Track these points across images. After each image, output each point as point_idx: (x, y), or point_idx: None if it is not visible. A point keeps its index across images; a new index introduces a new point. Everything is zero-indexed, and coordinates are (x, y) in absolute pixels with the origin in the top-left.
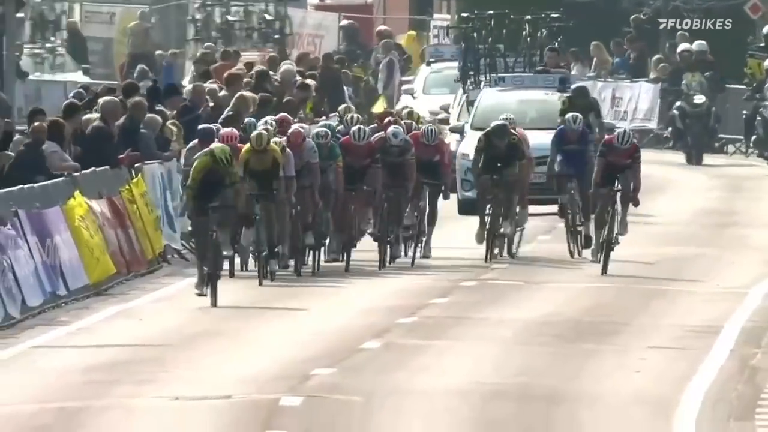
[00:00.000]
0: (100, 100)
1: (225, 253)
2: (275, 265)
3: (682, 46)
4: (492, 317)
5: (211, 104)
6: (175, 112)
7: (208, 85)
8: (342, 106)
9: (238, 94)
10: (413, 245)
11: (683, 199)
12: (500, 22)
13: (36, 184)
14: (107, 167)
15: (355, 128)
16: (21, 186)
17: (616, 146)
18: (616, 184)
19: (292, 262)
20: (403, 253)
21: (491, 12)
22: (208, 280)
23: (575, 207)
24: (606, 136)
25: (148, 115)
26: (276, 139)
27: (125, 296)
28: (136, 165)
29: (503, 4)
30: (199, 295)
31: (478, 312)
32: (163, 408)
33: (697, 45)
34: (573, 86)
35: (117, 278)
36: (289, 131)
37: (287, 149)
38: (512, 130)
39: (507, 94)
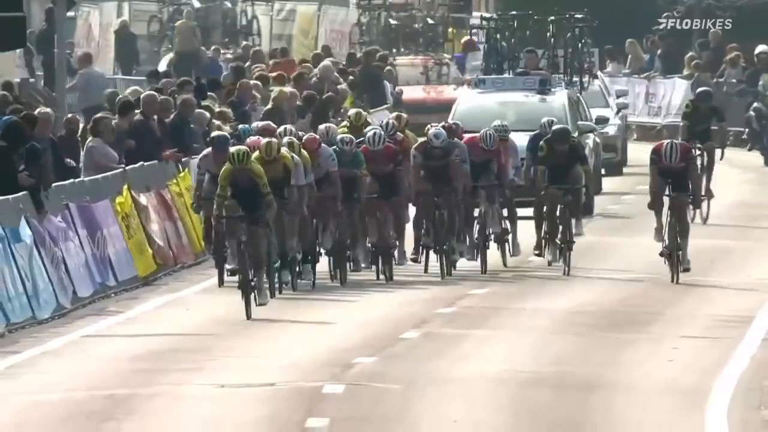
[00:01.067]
0: (142, 95)
1: (260, 300)
2: (287, 275)
3: (760, 48)
4: (528, 307)
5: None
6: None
7: (253, 81)
8: (352, 111)
9: (277, 89)
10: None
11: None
12: (524, 23)
13: (86, 179)
14: (155, 162)
15: (370, 133)
16: (72, 180)
17: (664, 157)
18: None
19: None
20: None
21: (514, 12)
22: (242, 291)
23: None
24: (658, 143)
25: (197, 110)
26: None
27: (172, 287)
28: (183, 159)
29: (541, 4)
30: (232, 271)
31: (515, 302)
32: (208, 395)
33: None
34: (698, 90)
35: (164, 269)
36: (305, 138)
37: (296, 157)
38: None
39: (487, 96)
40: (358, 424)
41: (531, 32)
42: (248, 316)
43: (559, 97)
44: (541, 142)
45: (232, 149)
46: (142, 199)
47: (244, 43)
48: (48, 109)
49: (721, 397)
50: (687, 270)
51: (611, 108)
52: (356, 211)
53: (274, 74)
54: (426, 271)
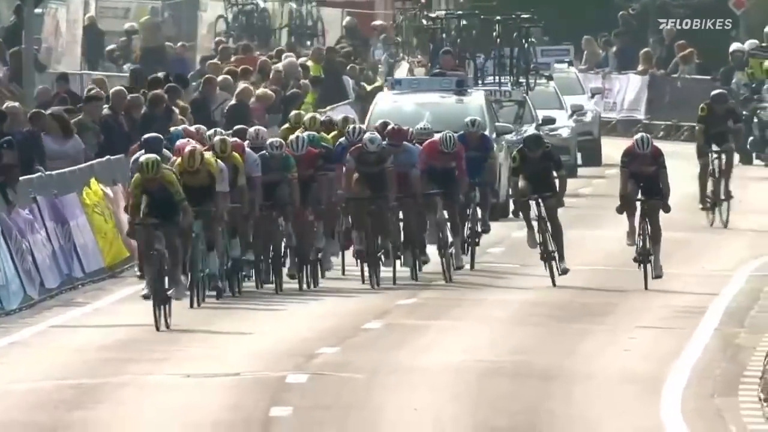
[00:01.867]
0: (111, 90)
1: (176, 295)
2: (213, 264)
3: (734, 46)
4: (488, 299)
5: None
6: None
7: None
8: (339, 117)
9: (242, 86)
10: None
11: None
12: (470, 23)
13: (54, 172)
14: (122, 155)
15: (292, 137)
16: (40, 174)
17: (638, 153)
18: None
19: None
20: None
21: (460, 12)
22: (155, 302)
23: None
24: (629, 144)
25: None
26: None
27: (139, 279)
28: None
29: (504, 5)
30: (146, 297)
31: (475, 294)
32: (175, 384)
33: (749, 44)
34: (713, 92)
35: (131, 261)
36: (229, 141)
37: (220, 163)
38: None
39: (403, 97)
40: (322, 413)
41: (477, 32)
42: (158, 327)
43: (476, 98)
44: (514, 152)
45: (141, 158)
46: (109, 192)
47: (310, 44)
48: (17, 104)
49: (676, 386)
50: (659, 277)
51: (565, 110)
52: (289, 216)
53: (239, 68)
54: (363, 281)
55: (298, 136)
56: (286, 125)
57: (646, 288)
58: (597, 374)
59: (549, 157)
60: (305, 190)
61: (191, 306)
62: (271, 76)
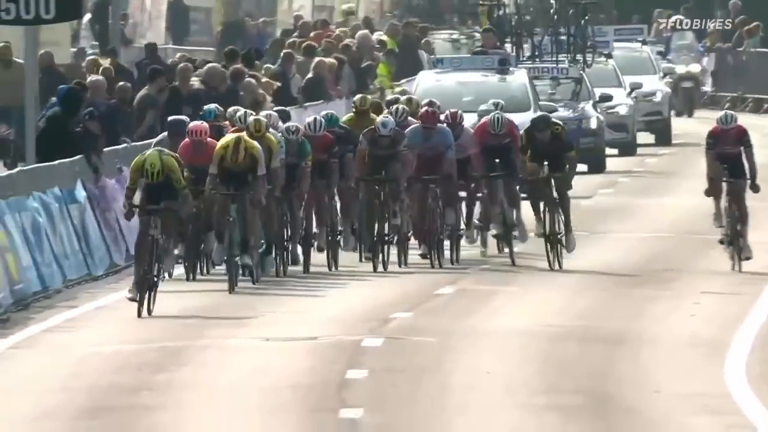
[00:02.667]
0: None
1: (166, 267)
2: (248, 259)
3: None
4: (555, 265)
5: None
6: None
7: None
8: (357, 97)
9: (317, 59)
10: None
11: None
12: (527, 1)
13: (138, 143)
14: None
15: (309, 119)
16: (125, 144)
17: (722, 129)
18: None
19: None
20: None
21: None
22: (142, 287)
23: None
24: (713, 126)
25: (245, 80)
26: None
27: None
28: None
29: None
30: (131, 300)
31: (544, 261)
32: (255, 348)
33: None
34: None
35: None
36: (248, 121)
37: (275, 138)
38: (556, 121)
39: (445, 77)
40: (396, 375)
41: (534, 10)
42: (140, 314)
43: (519, 77)
44: (522, 131)
45: (147, 154)
46: None
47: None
48: (100, 77)
49: (740, 351)
50: (748, 258)
51: (624, 87)
52: (295, 203)
53: (317, 44)
54: (375, 269)
55: (315, 118)
56: (352, 112)
57: (739, 270)
58: (662, 339)
59: (558, 138)
60: (321, 174)
61: (230, 292)
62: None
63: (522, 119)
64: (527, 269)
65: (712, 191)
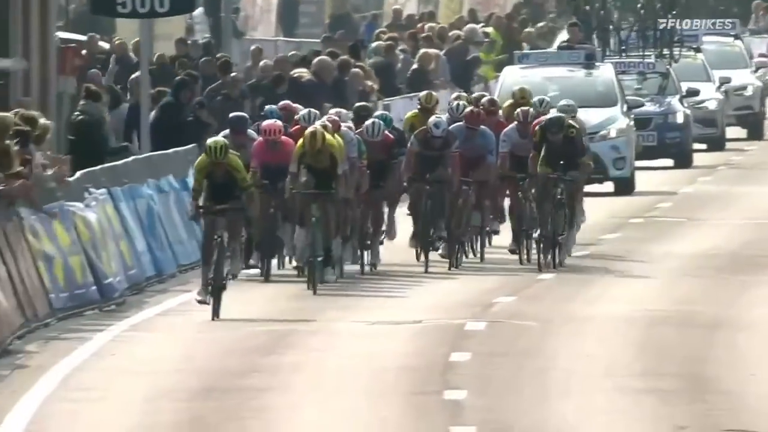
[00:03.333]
0: (315, 60)
1: (232, 270)
2: (331, 274)
3: None
4: (656, 252)
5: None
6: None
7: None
8: (423, 93)
9: (422, 51)
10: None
11: None
12: None
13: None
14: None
15: (368, 123)
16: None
17: None
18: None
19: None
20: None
21: None
22: (211, 290)
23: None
24: None
25: (352, 70)
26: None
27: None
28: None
29: None
30: (201, 302)
31: (644, 247)
32: (361, 332)
33: None
34: None
35: None
36: (326, 118)
37: (340, 140)
38: (572, 123)
39: (531, 71)
40: (499, 359)
41: (621, 3)
42: (213, 317)
43: (605, 71)
44: (536, 128)
45: (209, 141)
46: None
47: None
48: (210, 58)
49: None
50: None
51: (713, 82)
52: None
53: (421, 35)
54: (427, 270)
55: (374, 122)
56: (416, 109)
57: None
58: (759, 324)
59: (572, 141)
60: (379, 175)
61: (313, 293)
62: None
63: (609, 114)
64: (628, 253)
65: None
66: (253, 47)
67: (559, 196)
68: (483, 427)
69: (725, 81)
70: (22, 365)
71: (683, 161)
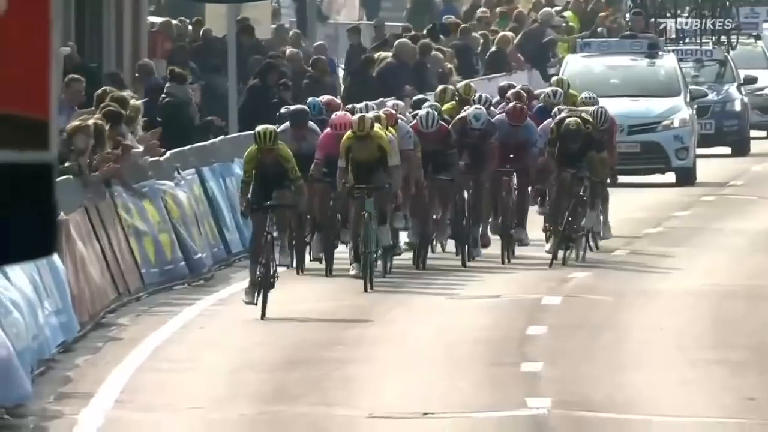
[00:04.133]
0: (396, 42)
1: (281, 261)
2: (399, 249)
3: None
4: (727, 228)
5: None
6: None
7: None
8: (461, 84)
9: (501, 33)
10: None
11: None
12: None
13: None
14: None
15: (422, 113)
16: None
17: None
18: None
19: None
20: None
21: None
22: (259, 288)
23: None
24: None
25: (432, 53)
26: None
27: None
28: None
29: None
30: (248, 303)
31: (715, 223)
32: (439, 305)
33: None
34: None
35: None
36: (382, 111)
37: (390, 134)
38: (587, 118)
39: (593, 60)
40: (574, 331)
41: None
42: (263, 317)
43: (668, 61)
44: (553, 124)
45: (258, 128)
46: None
47: None
48: (297, 50)
49: None
50: None
51: None
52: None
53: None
54: (464, 264)
55: (428, 112)
56: (455, 100)
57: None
58: None
59: (589, 139)
60: (436, 167)
61: (365, 290)
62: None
63: (672, 104)
64: (700, 230)
65: None
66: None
67: (581, 194)
68: (558, 398)
69: None
70: (115, 338)
71: (741, 149)
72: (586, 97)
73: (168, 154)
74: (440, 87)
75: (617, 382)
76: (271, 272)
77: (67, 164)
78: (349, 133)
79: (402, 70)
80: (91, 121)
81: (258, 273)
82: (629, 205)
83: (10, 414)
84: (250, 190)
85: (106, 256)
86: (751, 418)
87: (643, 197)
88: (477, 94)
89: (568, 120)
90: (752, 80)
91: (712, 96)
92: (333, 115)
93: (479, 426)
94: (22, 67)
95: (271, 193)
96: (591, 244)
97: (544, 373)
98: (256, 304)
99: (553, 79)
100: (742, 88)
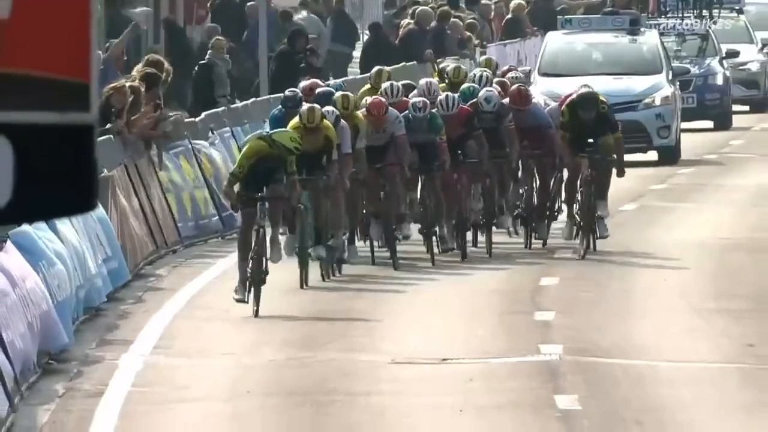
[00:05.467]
0: (417, 10)
1: (273, 258)
2: (322, 250)
3: None
4: (728, 184)
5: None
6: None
7: None
8: (451, 66)
9: (517, 2)
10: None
11: None
12: None
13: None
14: (414, 62)
15: (442, 96)
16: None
17: None
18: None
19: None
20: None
21: None
22: (250, 285)
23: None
24: None
25: (452, 20)
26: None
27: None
28: (439, 60)
29: None
30: (239, 301)
31: (717, 179)
32: (454, 262)
33: None
34: None
35: None
36: (370, 101)
37: (342, 121)
38: (602, 98)
39: (574, 37)
40: (584, 282)
41: None
42: (256, 314)
43: (650, 38)
44: (564, 107)
45: (279, 133)
46: None
47: None
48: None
49: None
50: None
51: (755, 44)
52: (437, 181)
53: None
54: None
55: (447, 95)
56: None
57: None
58: None
59: (604, 119)
60: (454, 152)
61: (301, 287)
62: None
63: (653, 81)
64: (702, 185)
65: None
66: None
67: (590, 178)
68: (569, 344)
69: (767, 43)
70: (153, 287)
71: (723, 123)
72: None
73: (203, 115)
74: (453, 65)
75: (624, 329)
76: (263, 267)
77: (108, 126)
78: (295, 121)
79: (422, 36)
80: (127, 83)
81: (249, 269)
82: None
83: (55, 359)
84: (238, 184)
85: (144, 211)
86: (750, 363)
87: (652, 155)
88: (471, 72)
89: (580, 91)
90: (734, 54)
91: (694, 70)
92: (366, 100)
93: (495, 370)
94: (64, 34)
95: (262, 186)
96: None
97: (556, 321)
98: (248, 302)
99: (482, 59)
100: (725, 62)
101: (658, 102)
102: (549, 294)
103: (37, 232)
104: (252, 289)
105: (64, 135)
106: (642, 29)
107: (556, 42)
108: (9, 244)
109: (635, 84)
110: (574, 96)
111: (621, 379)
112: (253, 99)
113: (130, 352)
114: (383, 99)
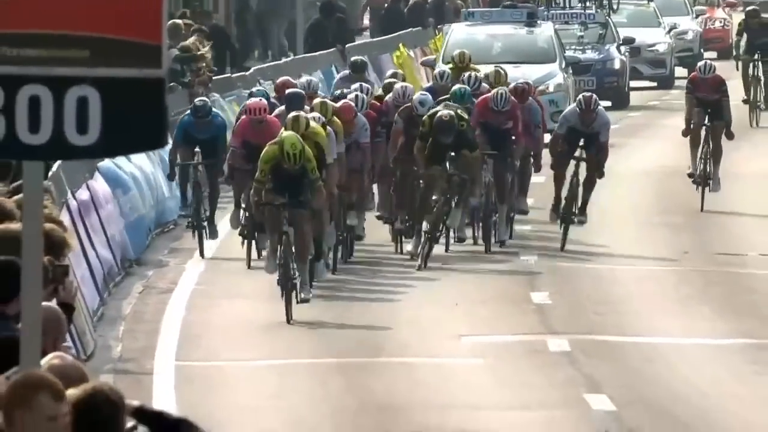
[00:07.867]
0: None
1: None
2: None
3: None
4: (670, 124)
5: None
6: None
7: None
8: (456, 51)
9: None
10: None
11: None
12: None
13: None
14: (419, 28)
15: (416, 97)
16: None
17: (700, 78)
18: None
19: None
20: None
21: None
22: (282, 291)
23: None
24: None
25: None
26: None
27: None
28: (439, 26)
29: None
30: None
31: (662, 119)
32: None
33: None
34: (749, 8)
35: None
36: (340, 105)
37: (328, 128)
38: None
39: (476, 29)
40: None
41: None
42: (288, 319)
43: (545, 30)
44: (425, 117)
45: (286, 135)
46: (412, 53)
47: None
48: None
49: None
50: (716, 191)
51: (663, 27)
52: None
53: None
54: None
55: (498, 91)
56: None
57: (702, 210)
58: (748, 176)
59: (463, 136)
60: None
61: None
62: None
63: (548, 70)
64: (648, 126)
65: (689, 132)
66: None
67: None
68: (542, 252)
69: (673, 27)
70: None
71: (620, 102)
72: (524, 82)
73: (252, 69)
74: (457, 51)
75: (587, 239)
76: (291, 272)
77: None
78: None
79: (425, 6)
80: (190, 41)
81: (278, 275)
82: None
83: (136, 263)
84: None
85: None
86: (685, 266)
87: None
88: (467, 75)
89: (441, 113)
90: (630, 41)
91: (593, 55)
92: (248, 101)
93: (504, 347)
94: (143, 5)
95: (285, 192)
96: (453, 237)
97: (530, 233)
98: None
99: (456, 52)
100: (622, 48)
101: (551, 89)
102: (523, 218)
103: (118, 163)
104: (284, 295)
105: (140, 86)
106: (538, 21)
107: (460, 33)
108: (97, 174)
109: (531, 72)
110: (436, 118)
111: (584, 279)
112: (292, 56)
113: (195, 258)
114: (353, 104)
